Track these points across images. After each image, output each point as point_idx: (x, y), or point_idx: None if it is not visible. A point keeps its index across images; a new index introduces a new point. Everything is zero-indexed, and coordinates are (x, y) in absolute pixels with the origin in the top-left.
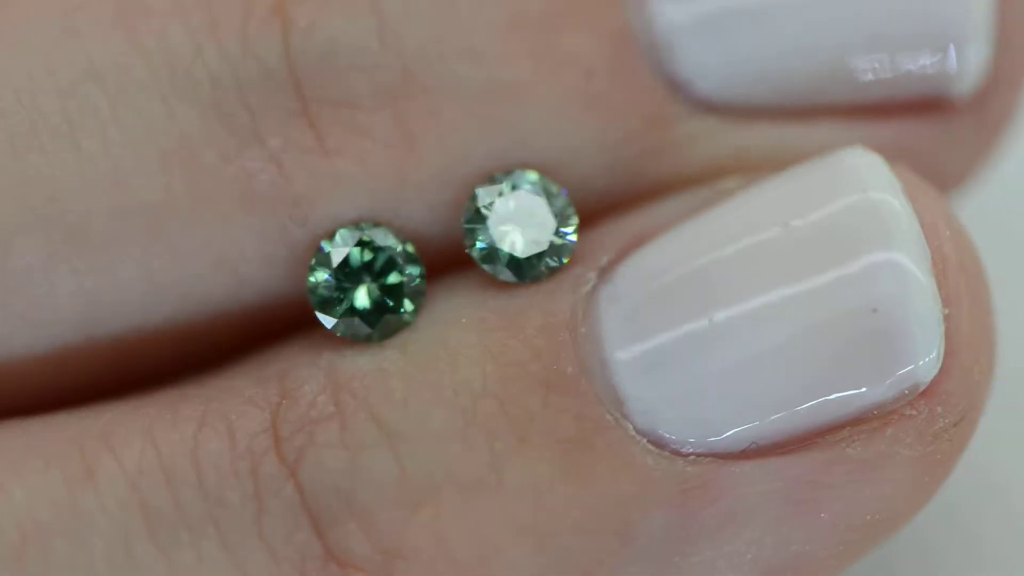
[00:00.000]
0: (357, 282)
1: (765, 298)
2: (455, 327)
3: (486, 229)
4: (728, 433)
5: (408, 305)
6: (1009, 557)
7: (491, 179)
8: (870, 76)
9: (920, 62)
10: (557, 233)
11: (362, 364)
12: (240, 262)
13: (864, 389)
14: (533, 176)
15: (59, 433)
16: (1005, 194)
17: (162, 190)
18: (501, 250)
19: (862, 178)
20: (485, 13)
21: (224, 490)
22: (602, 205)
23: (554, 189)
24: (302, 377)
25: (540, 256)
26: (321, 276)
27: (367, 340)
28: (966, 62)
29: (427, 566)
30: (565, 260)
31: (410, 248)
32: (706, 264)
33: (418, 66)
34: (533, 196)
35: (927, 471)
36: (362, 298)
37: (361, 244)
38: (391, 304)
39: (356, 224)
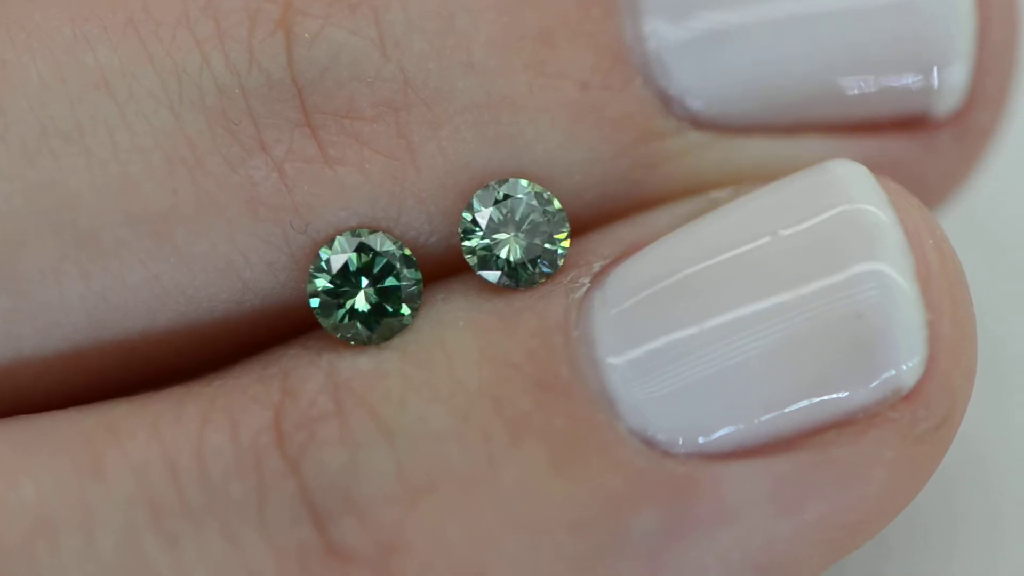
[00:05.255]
0: (356, 286)
1: (753, 306)
2: (452, 329)
3: (482, 236)
4: (717, 434)
5: (405, 308)
6: (989, 536)
7: (486, 187)
8: (855, 93)
9: (904, 81)
10: (550, 239)
11: (361, 365)
12: (244, 267)
13: (848, 393)
14: (526, 184)
15: (67, 427)
16: (985, 206)
17: (169, 196)
18: (497, 256)
19: (848, 189)
20: (483, 28)
21: (227, 484)
22: (595, 215)
23: (547, 196)
24: (303, 376)
25: (534, 262)
26: (321, 281)
27: (366, 342)
28: (947, 81)
29: (423, 559)
30: (559, 264)
31: (407, 252)
32: (696, 271)
33: (418, 78)
34: (527, 203)
35: (909, 472)
36: (361, 302)
37: (359, 249)
38: (389, 307)
39: (355, 230)
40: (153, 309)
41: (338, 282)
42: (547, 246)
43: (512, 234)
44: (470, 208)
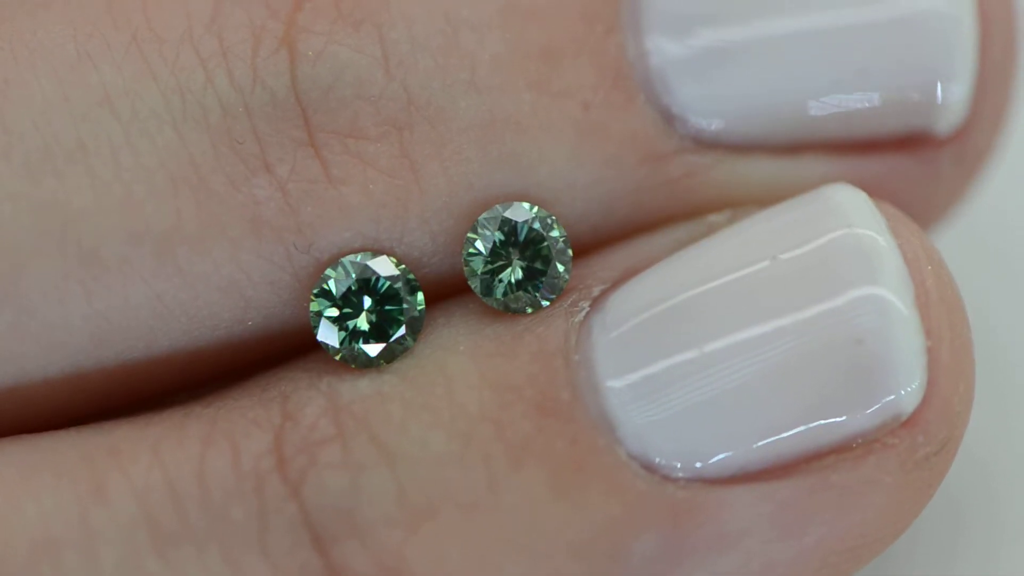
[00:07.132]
0: (358, 309)
1: (752, 330)
2: (453, 353)
3: (484, 260)
4: (717, 459)
5: (407, 332)
6: (990, 547)
7: (490, 210)
8: (858, 111)
9: (906, 98)
10: (552, 266)
11: (362, 388)
12: (246, 286)
13: (847, 418)
14: (530, 208)
15: (70, 449)
16: (983, 224)
17: (173, 215)
18: (499, 280)
19: (847, 214)
20: (487, 46)
21: (228, 507)
22: (597, 235)
23: (550, 221)
24: (304, 400)
25: (536, 288)
26: (323, 303)
27: (367, 365)
28: (949, 99)
29: None
30: (560, 290)
31: (410, 276)
32: (696, 295)
33: (422, 97)
34: (530, 228)
35: (908, 497)
36: (362, 325)
37: (362, 273)
38: (390, 331)
39: (358, 252)
40: (155, 327)
41: (340, 304)
42: (549, 272)
43: (515, 259)
44: (474, 231)
